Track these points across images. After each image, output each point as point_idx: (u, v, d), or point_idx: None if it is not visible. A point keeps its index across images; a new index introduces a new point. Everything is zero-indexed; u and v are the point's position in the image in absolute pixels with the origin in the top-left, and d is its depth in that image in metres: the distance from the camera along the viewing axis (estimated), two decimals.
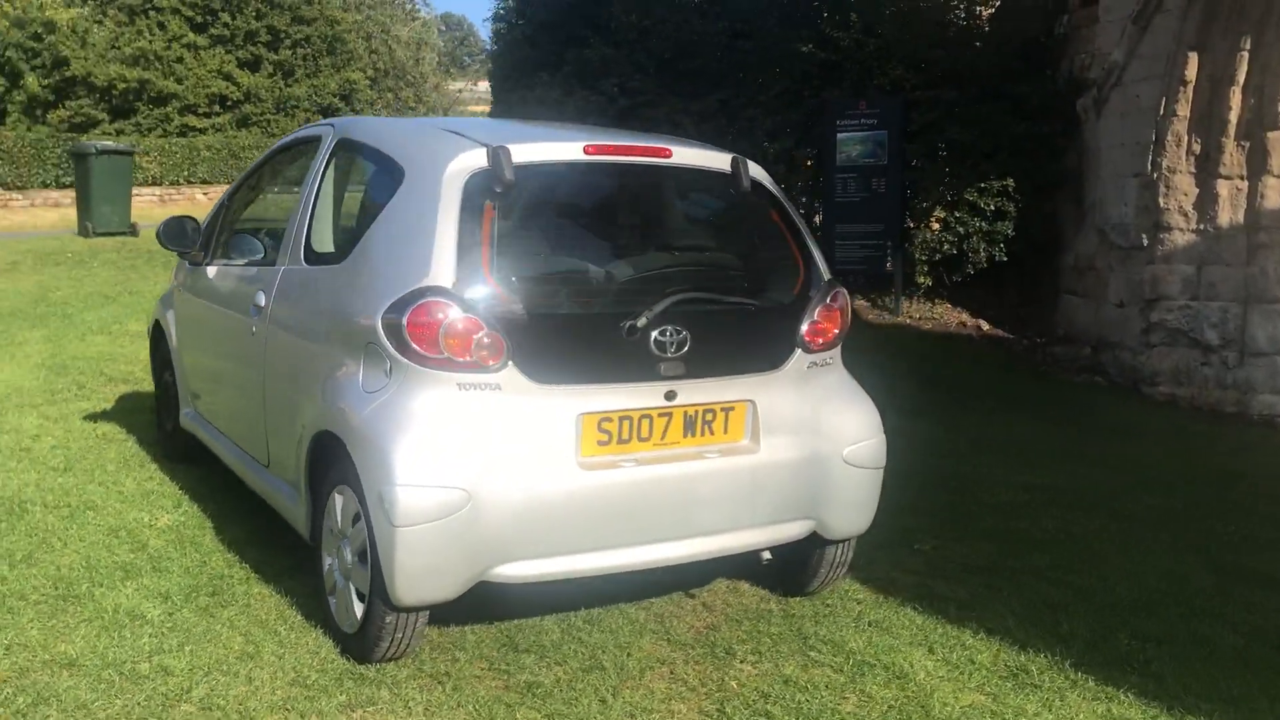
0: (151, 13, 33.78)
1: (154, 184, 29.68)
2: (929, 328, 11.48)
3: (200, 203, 29.15)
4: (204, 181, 30.61)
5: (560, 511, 3.48)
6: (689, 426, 3.73)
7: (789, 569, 4.33)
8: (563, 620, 4.01)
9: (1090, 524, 5.54)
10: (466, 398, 3.39)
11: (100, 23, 33.39)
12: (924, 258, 11.46)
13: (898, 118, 11.45)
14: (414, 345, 3.34)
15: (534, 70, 14.11)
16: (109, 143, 17.69)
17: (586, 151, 3.76)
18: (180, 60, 33.16)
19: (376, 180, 4.04)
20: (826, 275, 4.09)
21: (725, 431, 3.81)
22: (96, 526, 4.77)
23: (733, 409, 3.81)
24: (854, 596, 4.42)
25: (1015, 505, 5.77)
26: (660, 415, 3.67)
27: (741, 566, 4.45)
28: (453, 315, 3.34)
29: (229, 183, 29.98)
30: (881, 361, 9.28)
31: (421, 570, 3.32)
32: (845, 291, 4.13)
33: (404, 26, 44.25)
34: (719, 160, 4.02)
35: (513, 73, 14.97)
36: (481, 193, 3.52)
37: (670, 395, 3.66)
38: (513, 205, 3.62)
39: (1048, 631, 4.14)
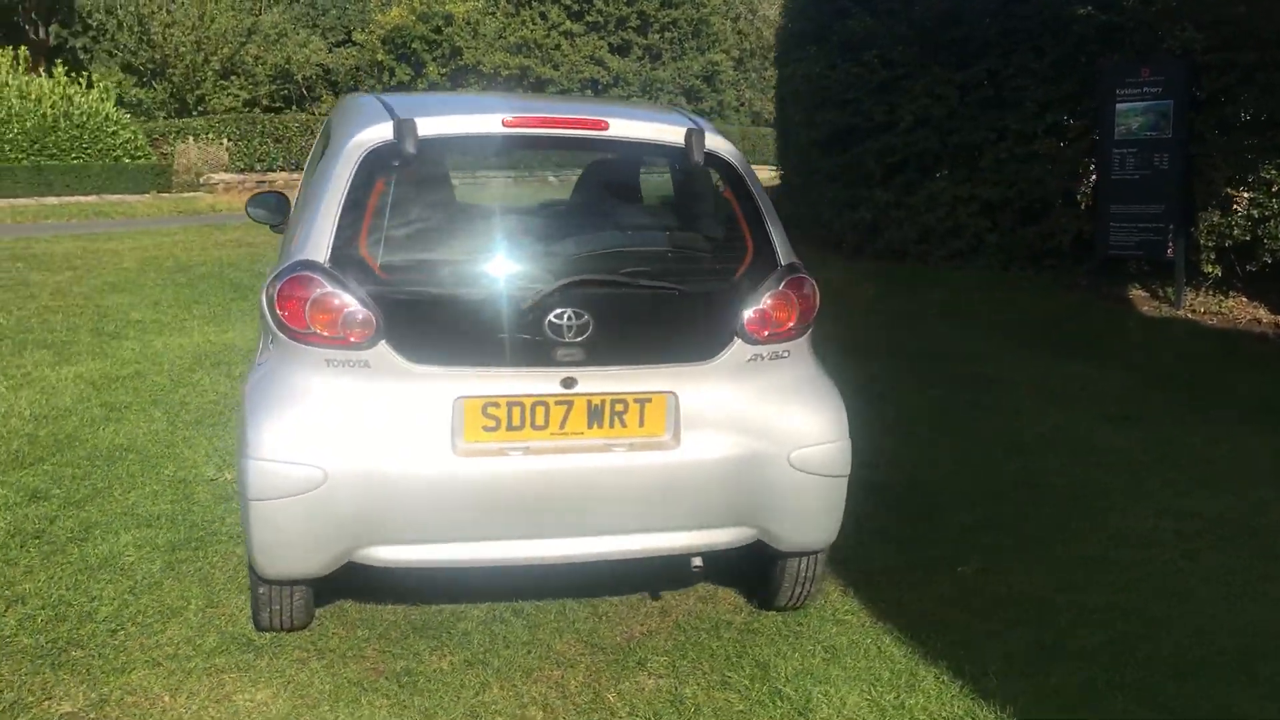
0: (535, 3, 36.05)
1: None
2: (1212, 324, 10.08)
3: (549, 182, 30.83)
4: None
5: (433, 497, 3.36)
6: (595, 417, 3.48)
7: (758, 581, 3.96)
8: (492, 609, 3.90)
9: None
10: (334, 374, 3.35)
11: (492, 14, 36.10)
12: (1211, 243, 10.07)
13: (1185, 85, 10.10)
14: (284, 319, 3.34)
15: (804, 43, 13.73)
16: None
17: (506, 124, 3.59)
18: (558, 47, 35.28)
19: (320, 153, 4.07)
20: (785, 259, 3.67)
21: (641, 425, 3.52)
22: None
23: (649, 400, 3.52)
24: (839, 617, 3.98)
25: (1153, 538, 4.90)
26: (558, 403, 3.45)
27: (729, 573, 4.14)
28: (319, 290, 3.31)
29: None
30: (1138, 360, 8.32)
31: (278, 544, 3.33)
32: (807, 278, 3.69)
33: (772, 6, 44.45)
34: (669, 132, 3.71)
35: (790, 46, 14.64)
36: (377, 166, 3.46)
37: (568, 382, 3.43)
38: (414, 179, 3.53)
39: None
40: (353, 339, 3.31)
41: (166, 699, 3.27)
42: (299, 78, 38.05)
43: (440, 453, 3.36)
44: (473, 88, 35.25)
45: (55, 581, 3.99)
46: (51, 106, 25.11)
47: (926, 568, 4.42)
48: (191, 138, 27.09)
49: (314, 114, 34.30)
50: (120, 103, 32.88)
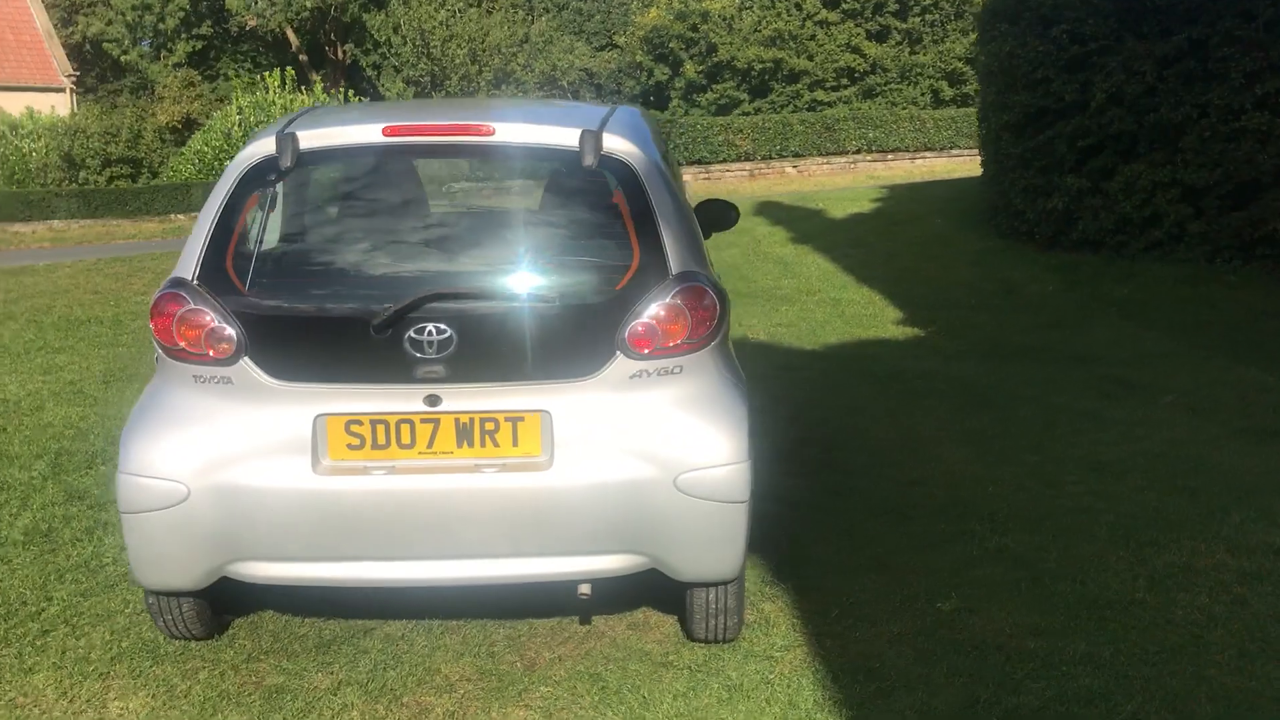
0: None
1: (745, 160, 31.45)
2: None
3: (789, 176, 30.56)
4: (795, 155, 31.77)
5: (294, 516, 3.34)
6: (464, 436, 3.36)
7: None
8: (406, 626, 3.85)
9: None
10: (201, 390, 3.39)
11: (748, 9, 36.17)
12: None
13: None
14: (156, 336, 3.41)
15: (999, 21, 12.88)
16: None
17: (385, 133, 3.51)
18: (812, 38, 34.85)
19: None
20: (679, 268, 3.41)
21: (515, 444, 3.37)
22: None
23: (522, 419, 3.36)
24: (770, 653, 3.69)
25: (1198, 582, 4.23)
26: (424, 422, 3.35)
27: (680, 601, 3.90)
28: (185, 308, 3.35)
29: (820, 156, 31.19)
30: None
31: (150, 556, 3.40)
32: (705, 289, 3.41)
33: None
34: (561, 135, 3.52)
35: (988, 24, 13.77)
36: (254, 182, 3.48)
37: (432, 400, 3.33)
38: (292, 194, 3.52)
39: None
40: (215, 355, 3.34)
41: (50, 701, 3.41)
42: (564, 83, 39.47)
43: (300, 471, 3.33)
44: (728, 82, 35.35)
45: (26, 580, 4.25)
46: None
47: (904, 601, 4.01)
48: None
49: None
50: None
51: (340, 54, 45.06)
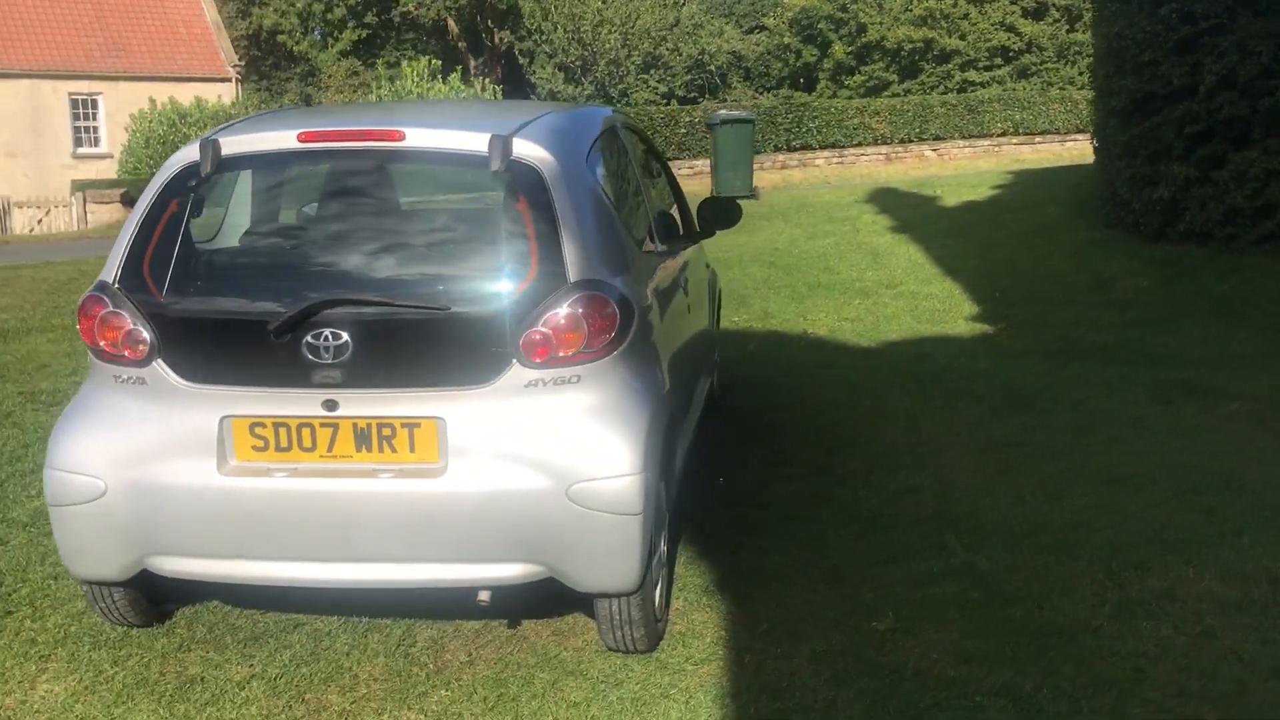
0: None
1: (882, 143, 30.75)
2: None
3: (928, 160, 29.81)
4: (935, 138, 30.90)
5: (200, 514, 3.44)
6: (362, 441, 3.40)
7: None
8: (336, 622, 3.91)
9: None
10: (120, 390, 3.51)
11: None
12: None
13: None
14: (83, 337, 3.55)
15: (1109, 0, 12.27)
16: (729, 112, 18.97)
17: (300, 139, 3.57)
18: (965, 16, 33.92)
19: None
20: (578, 276, 3.37)
21: (412, 450, 3.39)
22: None
23: (418, 426, 3.38)
24: (682, 665, 3.62)
25: (1163, 610, 3.97)
26: (323, 426, 3.40)
27: None
28: (104, 310, 3.48)
29: (963, 140, 30.24)
30: None
31: (75, 549, 3.55)
32: (604, 299, 3.36)
33: None
34: (471, 140, 3.51)
35: (1102, 2, 13.12)
36: (176, 187, 3.58)
37: (330, 405, 3.38)
38: (211, 200, 3.61)
39: None
40: (131, 356, 3.45)
41: None
42: (712, 67, 39.38)
43: (207, 471, 3.42)
44: (876, 64, 34.67)
45: (13, 561, 4.48)
46: None
47: (841, 617, 3.88)
48: None
49: (722, 100, 35.18)
50: (552, 98, 35.88)
51: (496, 41, 46.06)
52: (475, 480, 3.33)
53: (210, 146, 3.53)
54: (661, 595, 3.75)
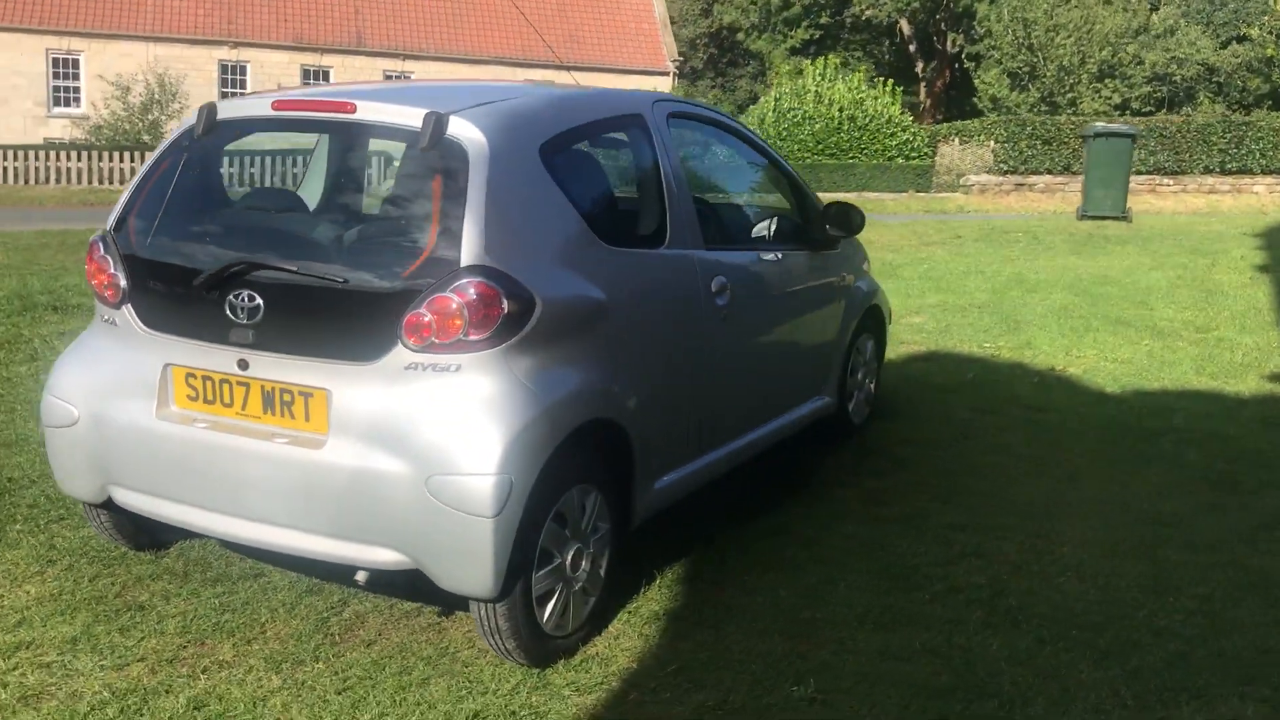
0: None
1: None
2: None
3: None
4: None
5: (138, 452, 3.66)
6: (268, 403, 3.48)
7: None
8: (294, 579, 4.01)
9: None
10: (102, 329, 3.82)
11: None
12: None
13: None
14: (87, 278, 3.91)
15: None
16: (1106, 124, 17.14)
17: (274, 107, 3.69)
18: None
19: None
20: (470, 260, 3.23)
21: (306, 419, 3.42)
22: None
23: (312, 395, 3.40)
24: (560, 691, 3.38)
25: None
26: (239, 384, 3.52)
27: None
28: (98, 254, 3.80)
29: None
30: None
31: (60, 468, 3.90)
32: (492, 288, 3.19)
33: None
34: (409, 115, 3.46)
35: None
36: (176, 147, 3.83)
37: (243, 364, 3.48)
38: (202, 160, 3.82)
39: None
40: (110, 299, 3.74)
41: None
42: (1177, 78, 36.21)
43: (146, 413, 3.64)
44: None
45: (34, 463, 4.97)
46: (840, 110, 27.46)
47: (762, 676, 3.45)
48: (956, 139, 27.56)
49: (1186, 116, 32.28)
50: (995, 107, 34.61)
51: (948, 45, 45.14)
52: (348, 456, 3.29)
53: (206, 111, 3.73)
54: (561, 611, 3.51)
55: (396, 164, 3.76)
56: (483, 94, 3.72)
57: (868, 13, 43.94)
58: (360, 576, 3.45)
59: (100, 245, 3.78)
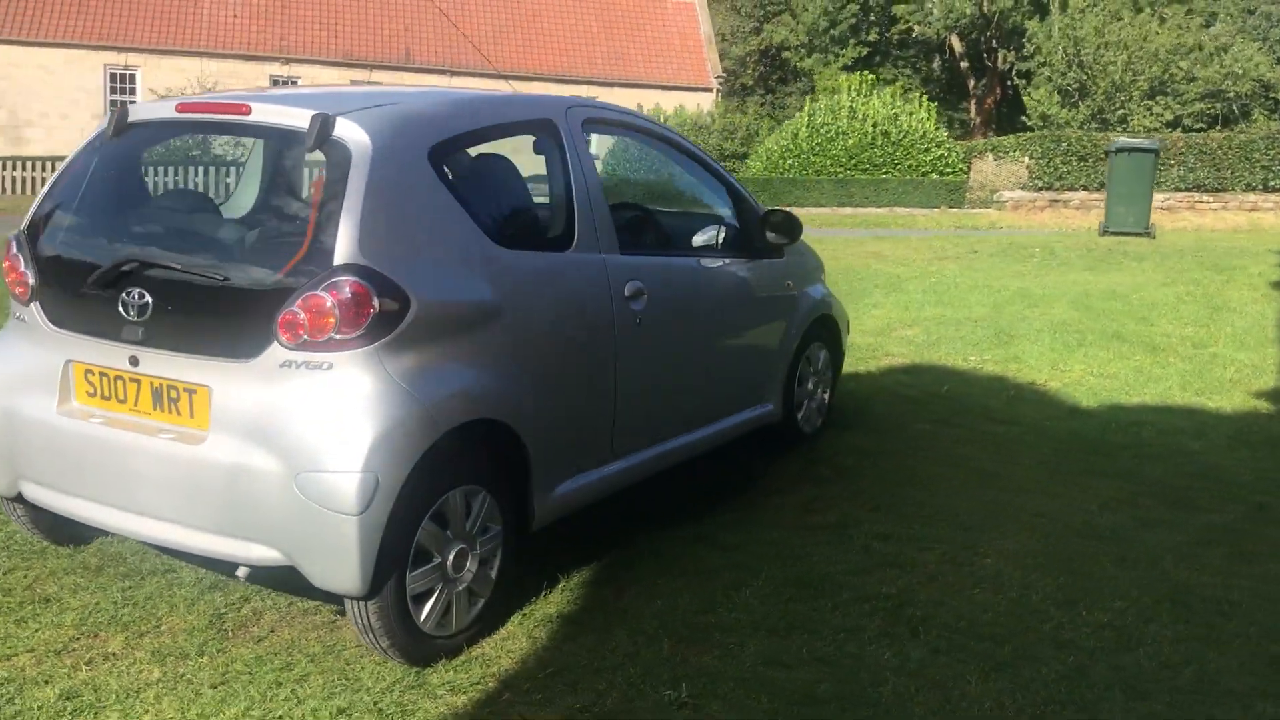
0: None
1: None
2: None
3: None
4: None
5: (41, 447, 3.73)
6: (157, 399, 3.53)
7: None
8: (201, 575, 4.06)
9: None
10: (15, 325, 3.90)
11: None
12: None
13: None
14: (5, 278, 3.99)
15: None
16: (1128, 139, 16.87)
17: (177, 110, 3.76)
18: None
19: None
20: (342, 259, 3.26)
21: (191, 415, 3.47)
22: None
23: (195, 392, 3.45)
24: (435, 690, 3.38)
25: None
26: (131, 380, 3.58)
27: None
28: (11, 253, 3.89)
29: None
30: None
31: None
32: (363, 287, 3.22)
33: None
34: (298, 117, 3.50)
35: None
36: (90, 149, 3.91)
37: (134, 361, 3.54)
38: (113, 161, 3.89)
39: None
40: (20, 295, 3.82)
41: None
42: (1231, 94, 35.65)
43: (48, 409, 3.71)
44: None
45: None
46: (874, 125, 27.34)
47: (638, 680, 3.43)
48: (990, 155, 27.30)
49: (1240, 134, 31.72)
50: (1045, 124, 34.22)
51: (998, 62, 44.83)
52: (225, 453, 3.33)
53: (117, 114, 3.81)
54: (444, 611, 3.52)
55: (290, 166, 3.81)
56: (380, 98, 3.76)
57: (916, 30, 43.69)
58: (241, 572, 3.47)
59: (14, 244, 3.86)
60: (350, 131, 3.41)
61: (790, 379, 5.53)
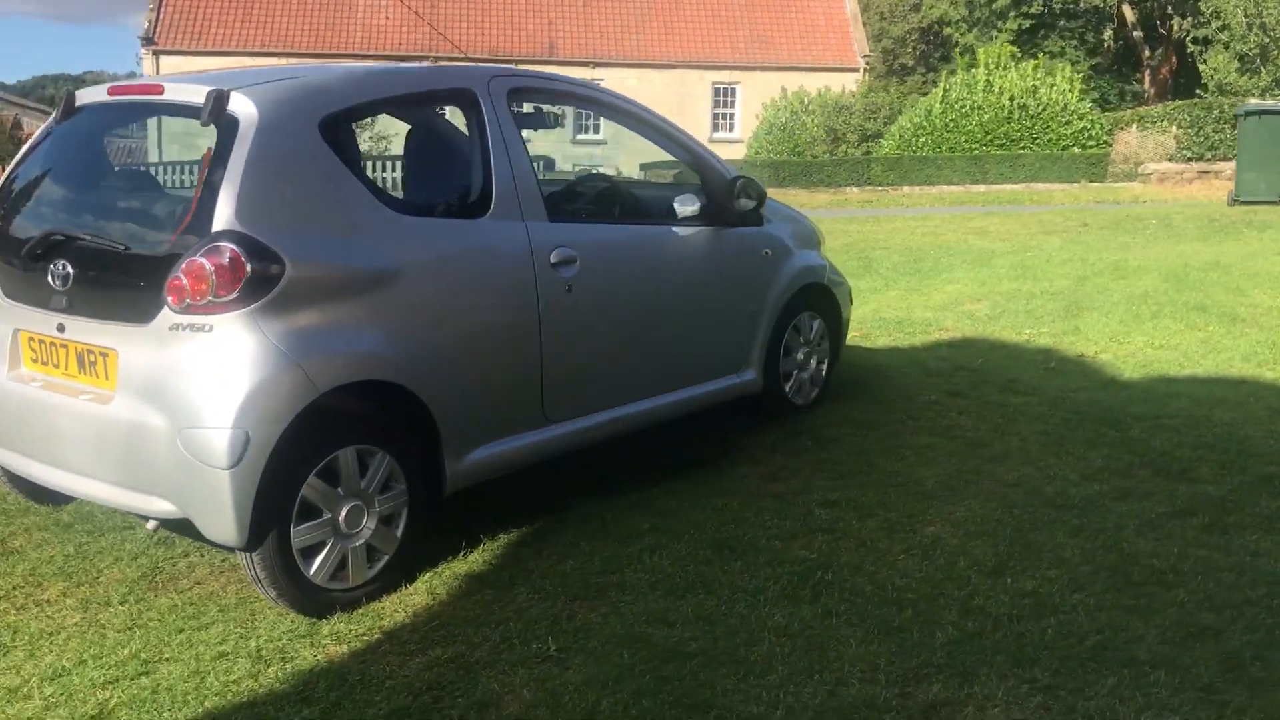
0: None
1: None
2: None
3: None
4: None
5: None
6: (81, 363, 3.79)
7: None
8: (145, 534, 4.32)
9: None
10: None
11: None
12: None
13: None
14: None
15: None
16: (1260, 102, 15.78)
17: (108, 93, 4.02)
18: None
19: None
20: (219, 225, 3.44)
21: (106, 378, 3.72)
22: None
23: (107, 355, 3.69)
24: (321, 641, 3.53)
25: None
26: (60, 346, 3.85)
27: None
28: None
29: None
30: None
31: None
32: (236, 251, 3.39)
33: None
34: (199, 94, 3.70)
35: None
36: (47, 131, 4.22)
37: (60, 328, 3.81)
38: (61, 141, 4.19)
39: None
40: None
41: None
42: None
43: (1, 374, 4.02)
44: None
45: None
46: (1010, 99, 26.42)
47: (512, 635, 3.51)
48: (1135, 126, 26.01)
49: None
50: (1221, 92, 32.39)
51: (1172, 29, 42.73)
52: (126, 412, 3.56)
53: (66, 98, 4.09)
54: (339, 565, 3.67)
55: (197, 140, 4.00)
56: (283, 74, 3.92)
57: None
58: (150, 525, 3.71)
59: None
60: (241, 105, 3.58)
61: (774, 349, 5.48)
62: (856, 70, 42.10)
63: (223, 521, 3.39)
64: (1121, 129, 26.47)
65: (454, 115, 4.29)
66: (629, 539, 4.21)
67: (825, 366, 5.90)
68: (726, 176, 5.12)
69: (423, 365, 3.80)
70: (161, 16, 37.39)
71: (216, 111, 3.57)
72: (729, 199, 5.05)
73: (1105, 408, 5.94)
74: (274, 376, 3.41)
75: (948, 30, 45.45)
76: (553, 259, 4.24)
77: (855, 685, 3.20)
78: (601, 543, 4.19)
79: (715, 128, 41.28)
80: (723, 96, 41.89)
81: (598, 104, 4.88)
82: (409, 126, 4.47)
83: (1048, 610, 3.63)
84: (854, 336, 8.08)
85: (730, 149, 37.40)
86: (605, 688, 3.17)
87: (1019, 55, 28.74)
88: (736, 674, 3.26)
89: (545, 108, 5.03)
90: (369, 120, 4.03)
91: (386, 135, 17.02)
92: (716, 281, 5.10)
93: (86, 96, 4.13)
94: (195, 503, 3.44)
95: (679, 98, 39.79)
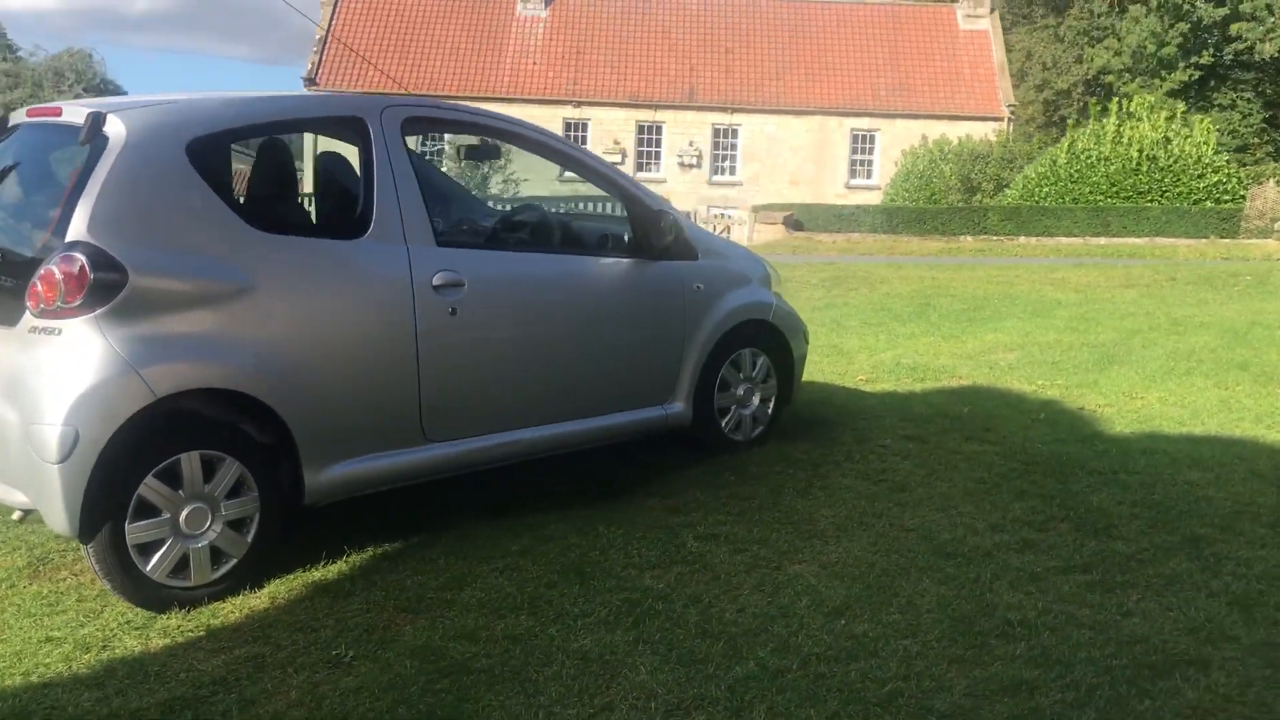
0: None
1: None
2: None
3: None
4: None
5: None
6: None
7: None
8: None
9: None
10: None
11: None
12: None
13: None
14: None
15: None
16: None
17: (27, 115, 4.37)
18: None
19: None
20: (71, 236, 3.71)
21: None
22: None
23: None
24: (168, 629, 3.74)
25: None
26: None
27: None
28: None
29: None
30: None
31: None
32: (79, 259, 3.64)
33: None
34: (79, 116, 4.00)
35: None
36: None
37: None
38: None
39: None
40: None
41: None
42: None
43: None
44: None
45: None
46: (1139, 151, 25.53)
47: (319, 640, 3.64)
48: (1272, 180, 24.73)
49: None
50: None
51: None
52: None
53: (4, 119, 4.46)
54: (179, 564, 3.84)
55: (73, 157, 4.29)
56: (170, 100, 4.17)
57: (1258, 46, 39.29)
58: (15, 516, 3.96)
59: None
60: (113, 126, 3.85)
61: (707, 383, 5.48)
62: (1000, 120, 41.25)
63: (55, 512, 3.61)
64: (1259, 183, 25.24)
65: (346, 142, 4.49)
66: (489, 559, 4.29)
67: (771, 404, 5.85)
68: (652, 209, 5.17)
69: (278, 377, 3.96)
70: (324, 59, 39.44)
71: (93, 132, 3.84)
72: (654, 232, 5.10)
73: (1062, 460, 5.73)
74: (110, 379, 3.63)
75: (1109, 78, 43.94)
76: (435, 281, 4.37)
77: (622, 710, 3.20)
78: (460, 561, 4.27)
79: (853, 174, 41.06)
80: (861, 143, 41.62)
81: (505, 134, 4.98)
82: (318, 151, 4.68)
83: (864, 654, 3.55)
84: (859, 380, 7.98)
85: (867, 195, 37.14)
86: (371, 695, 3.26)
87: (1185, 109, 27.54)
88: (510, 692, 3.30)
89: (475, 140, 5.18)
90: (247, 143, 4.25)
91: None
92: (633, 312, 5.13)
93: (16, 118, 4.49)
94: (37, 494, 3.67)
95: (817, 144, 39.82)
